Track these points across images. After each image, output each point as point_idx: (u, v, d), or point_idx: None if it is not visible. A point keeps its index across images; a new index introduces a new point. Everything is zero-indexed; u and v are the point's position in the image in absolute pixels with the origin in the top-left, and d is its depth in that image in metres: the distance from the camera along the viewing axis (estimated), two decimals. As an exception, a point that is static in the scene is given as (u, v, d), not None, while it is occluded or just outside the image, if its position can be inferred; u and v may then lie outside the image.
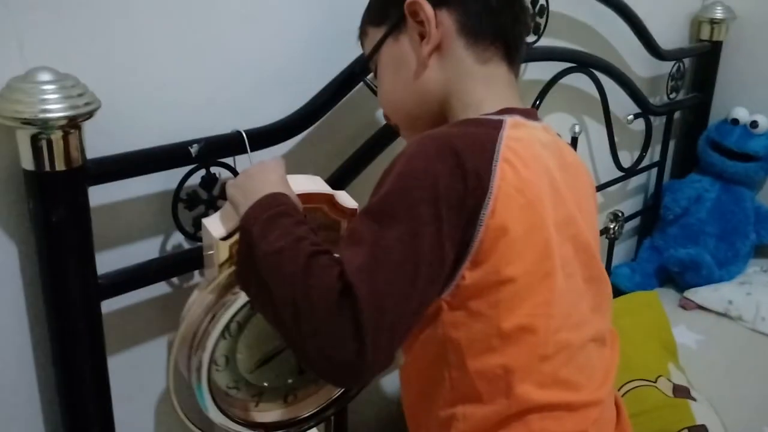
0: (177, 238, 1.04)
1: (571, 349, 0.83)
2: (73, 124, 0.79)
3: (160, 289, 1.03)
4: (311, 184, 0.98)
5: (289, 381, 1.06)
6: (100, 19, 0.88)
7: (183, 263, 1.01)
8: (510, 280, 0.78)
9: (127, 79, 0.92)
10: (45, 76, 0.78)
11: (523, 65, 0.96)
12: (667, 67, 1.98)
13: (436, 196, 0.73)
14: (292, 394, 1.07)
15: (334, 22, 1.13)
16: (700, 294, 1.90)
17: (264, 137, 1.04)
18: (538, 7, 1.42)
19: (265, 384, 1.04)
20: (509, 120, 0.83)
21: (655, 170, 2.11)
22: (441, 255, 0.74)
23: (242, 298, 0.91)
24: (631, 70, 1.87)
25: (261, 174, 0.89)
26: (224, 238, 0.90)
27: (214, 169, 1.01)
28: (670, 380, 1.43)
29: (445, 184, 0.74)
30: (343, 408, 1.18)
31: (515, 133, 0.82)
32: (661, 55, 1.86)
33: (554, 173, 0.85)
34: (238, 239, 0.83)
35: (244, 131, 1.00)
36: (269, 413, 1.05)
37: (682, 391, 1.41)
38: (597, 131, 1.79)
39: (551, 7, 1.45)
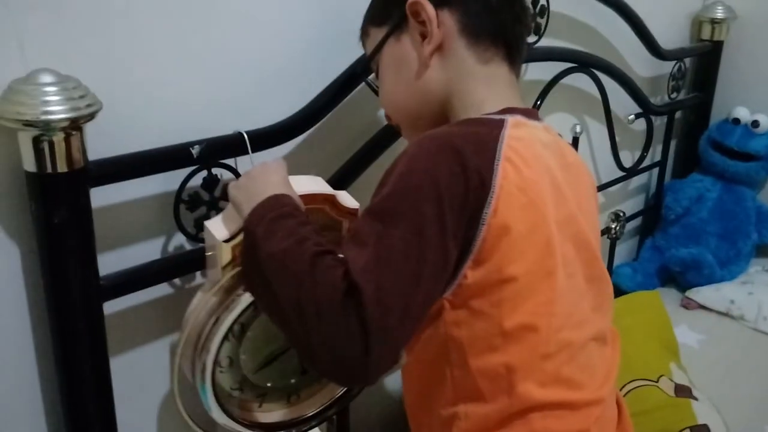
0: (178, 240, 1.04)
1: (573, 348, 0.83)
2: (74, 125, 0.79)
3: (161, 290, 1.03)
4: (313, 185, 0.99)
5: (292, 381, 1.06)
6: (101, 20, 0.88)
7: (185, 264, 1.01)
8: (512, 279, 0.78)
9: (128, 81, 0.93)
10: (46, 78, 0.78)
11: (524, 65, 0.96)
12: (668, 66, 1.98)
13: (438, 195, 0.74)
14: (295, 394, 1.07)
15: (335, 23, 1.13)
16: (701, 294, 1.90)
17: (265, 138, 1.04)
18: (538, 7, 1.42)
19: (269, 384, 1.04)
20: (510, 119, 0.84)
21: (656, 170, 2.11)
22: (444, 254, 0.75)
23: (245, 299, 0.91)
24: (632, 70, 1.87)
25: (263, 175, 0.89)
26: (227, 240, 0.90)
27: (215, 170, 1.01)
28: (671, 380, 1.43)
29: (447, 184, 0.74)
30: (345, 407, 1.18)
31: (516, 133, 0.82)
32: (662, 54, 1.86)
33: (555, 173, 0.85)
34: (242, 241, 0.83)
35: (246, 132, 1.00)
36: (272, 413, 1.05)
37: (683, 391, 1.41)
38: (598, 131, 1.79)
39: (552, 8, 1.45)
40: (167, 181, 0.98)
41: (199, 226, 1.01)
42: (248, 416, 1.02)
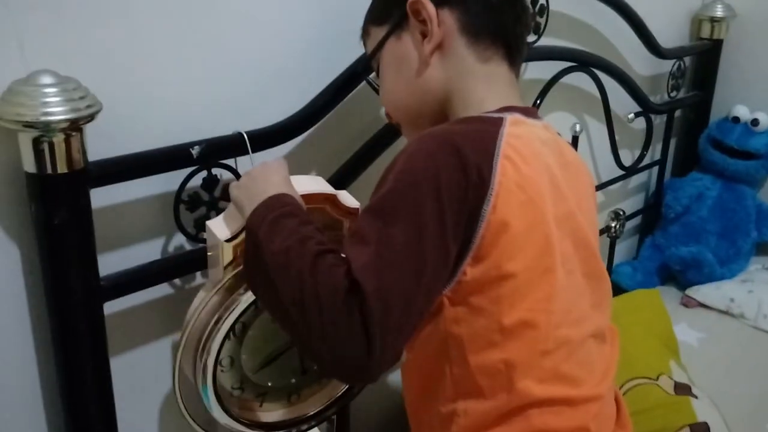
0: (179, 240, 1.04)
1: (572, 345, 0.84)
2: (74, 126, 0.80)
3: (162, 290, 1.03)
4: (313, 185, 0.99)
5: (293, 381, 1.06)
6: (101, 20, 0.88)
7: (185, 264, 1.02)
8: (511, 276, 0.79)
9: (128, 81, 0.93)
10: (46, 79, 0.78)
11: (523, 65, 0.96)
12: (668, 65, 1.98)
13: (438, 192, 0.74)
14: (295, 394, 1.07)
15: (335, 23, 1.13)
16: (701, 292, 1.90)
17: (265, 138, 1.04)
18: (538, 6, 1.42)
19: (269, 384, 1.04)
20: (509, 117, 0.84)
21: (656, 169, 2.11)
22: (445, 251, 0.75)
23: (246, 299, 0.92)
24: (631, 68, 1.87)
25: (264, 175, 0.89)
26: (229, 240, 0.90)
27: (215, 171, 1.01)
28: (671, 378, 1.43)
29: (446, 181, 0.75)
30: (345, 406, 1.19)
31: (515, 131, 0.83)
32: (662, 53, 1.86)
33: (554, 170, 0.86)
34: (244, 240, 0.83)
35: (246, 132, 1.00)
36: (273, 413, 1.05)
37: (683, 389, 1.41)
38: (598, 130, 1.79)
39: (551, 7, 1.45)
40: (167, 182, 0.98)
41: (199, 227, 1.01)
42: (249, 416, 1.02)
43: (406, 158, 0.78)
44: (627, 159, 1.85)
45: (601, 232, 1.74)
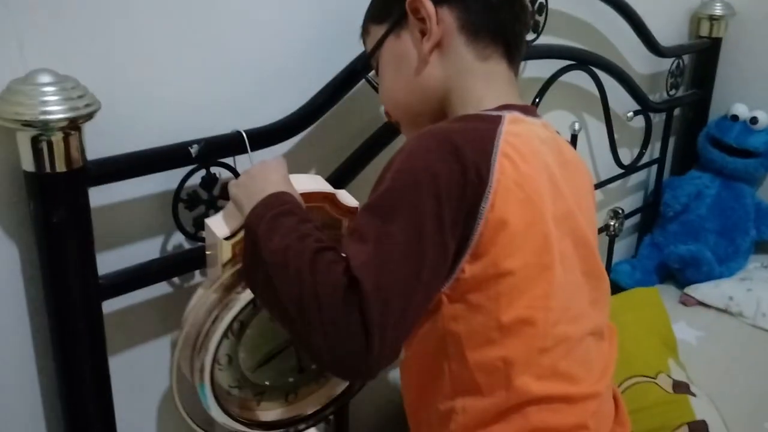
0: (177, 239, 1.04)
1: (570, 342, 0.84)
2: (73, 125, 0.80)
3: (160, 289, 1.03)
4: (312, 183, 0.99)
5: (290, 380, 1.06)
6: (100, 19, 0.88)
7: (184, 263, 1.02)
8: (509, 273, 0.79)
9: (127, 80, 0.93)
10: (45, 78, 0.78)
11: (522, 63, 0.96)
12: (667, 63, 1.98)
13: (437, 190, 0.74)
14: (292, 393, 1.07)
15: (335, 23, 1.13)
16: (700, 290, 1.90)
17: (264, 137, 1.04)
18: (537, 4, 1.42)
19: (267, 383, 1.04)
20: (508, 116, 0.84)
21: (655, 167, 2.11)
22: (443, 248, 0.75)
23: (244, 297, 0.92)
24: (630, 67, 1.87)
25: (263, 173, 0.89)
26: (228, 238, 0.90)
27: (214, 169, 1.01)
28: (669, 376, 1.43)
29: (445, 179, 0.75)
30: (344, 406, 1.19)
31: (514, 129, 0.83)
32: (661, 52, 1.86)
33: (553, 169, 0.86)
34: (244, 238, 0.84)
35: (244, 131, 1.00)
36: (271, 412, 1.05)
37: (681, 387, 1.41)
38: (597, 128, 1.79)
39: (550, 5, 1.45)
40: (166, 181, 0.98)
41: (198, 225, 1.01)
42: (247, 415, 1.02)
43: (405, 156, 0.78)
44: (626, 157, 1.85)
45: (600, 230, 1.74)
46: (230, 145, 1.00)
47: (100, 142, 0.88)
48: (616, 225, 1.79)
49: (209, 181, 1.01)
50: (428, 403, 0.87)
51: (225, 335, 0.93)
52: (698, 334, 1.74)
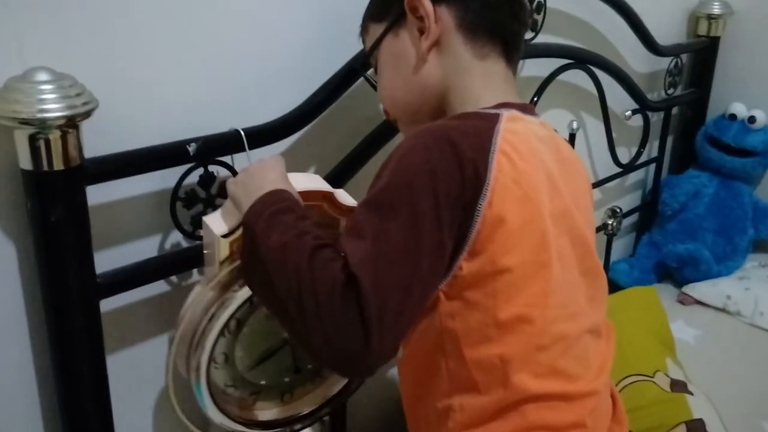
0: (175, 237, 1.04)
1: (568, 340, 0.84)
2: (71, 123, 0.79)
3: (158, 287, 1.03)
4: (311, 182, 0.99)
5: (286, 379, 1.06)
6: (99, 18, 0.88)
7: (181, 262, 1.02)
8: (506, 270, 0.79)
9: (124, 79, 0.92)
10: (43, 76, 0.78)
11: (520, 62, 0.97)
12: (665, 62, 1.98)
13: (434, 187, 0.74)
14: (288, 393, 1.07)
15: (334, 23, 1.13)
16: (698, 289, 1.90)
17: (262, 135, 1.04)
18: (535, 3, 1.42)
19: (263, 382, 1.04)
20: (506, 114, 0.84)
21: (653, 166, 2.11)
22: (441, 245, 0.75)
23: (241, 295, 0.92)
24: (628, 66, 1.87)
25: (262, 172, 0.89)
26: (225, 236, 0.90)
27: (212, 168, 1.01)
28: (667, 375, 1.43)
29: (443, 175, 0.75)
30: (342, 405, 1.19)
31: (512, 126, 0.83)
32: (659, 50, 1.86)
33: (551, 167, 0.86)
34: (242, 236, 0.84)
35: (243, 129, 1.00)
36: (266, 412, 1.05)
37: (679, 386, 1.41)
38: (595, 127, 1.79)
39: (548, 4, 1.45)
40: (164, 179, 0.98)
41: (196, 224, 1.01)
42: (242, 414, 1.02)
43: (403, 153, 0.78)
44: (624, 156, 1.86)
45: (598, 229, 1.74)
46: (228, 143, 1.00)
47: (98, 141, 0.88)
48: (614, 224, 1.79)
49: (207, 179, 1.01)
50: (426, 400, 0.87)
51: (222, 333, 0.93)
52: (696, 333, 1.74)
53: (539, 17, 1.44)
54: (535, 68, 1.49)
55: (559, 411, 0.83)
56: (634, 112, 1.80)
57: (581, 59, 1.58)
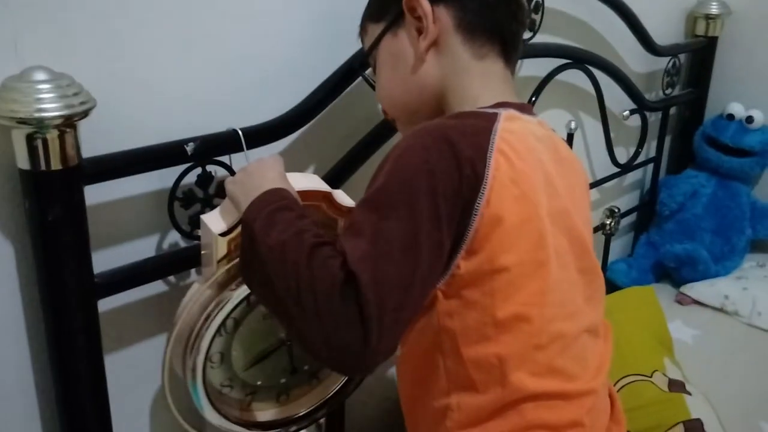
0: (173, 237, 1.04)
1: (566, 339, 0.84)
2: (68, 123, 0.79)
3: (156, 287, 1.03)
4: (309, 182, 0.99)
5: (282, 380, 1.06)
6: (96, 17, 0.88)
7: (179, 262, 1.01)
8: (504, 269, 0.79)
9: (122, 78, 0.92)
10: (40, 76, 0.78)
11: (518, 62, 0.97)
12: (663, 62, 1.98)
13: (432, 186, 0.75)
14: (284, 394, 1.07)
15: (331, 22, 1.13)
16: (696, 289, 1.91)
17: (260, 135, 1.04)
18: (533, 3, 1.43)
19: (259, 383, 1.04)
20: (504, 113, 0.84)
21: (651, 166, 2.11)
22: (439, 244, 0.75)
23: (238, 295, 0.92)
24: (626, 65, 1.87)
25: (260, 171, 0.90)
26: (223, 234, 0.90)
27: (210, 168, 1.01)
28: (665, 375, 1.43)
29: (441, 174, 0.75)
30: (340, 405, 1.19)
31: (510, 126, 0.83)
32: (657, 50, 1.87)
33: (548, 166, 0.86)
34: (240, 234, 0.84)
35: (241, 129, 1.00)
36: (263, 412, 1.05)
37: (677, 386, 1.41)
38: (593, 127, 1.79)
39: (547, 4, 1.45)
40: (162, 179, 0.98)
41: (194, 224, 1.01)
42: (238, 414, 1.02)
43: (401, 152, 0.78)
44: (622, 156, 1.86)
45: (596, 229, 1.74)
46: (226, 143, 1.00)
47: (96, 140, 0.88)
48: (612, 224, 1.79)
49: (205, 179, 1.01)
50: (424, 399, 0.87)
51: (218, 332, 0.93)
52: (694, 333, 1.74)
53: (537, 17, 1.44)
54: (533, 68, 1.49)
55: (557, 410, 0.83)
56: (632, 112, 1.80)
57: (579, 59, 1.58)
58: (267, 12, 1.06)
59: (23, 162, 0.81)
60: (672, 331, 1.64)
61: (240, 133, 1.00)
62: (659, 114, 2.02)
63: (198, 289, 0.93)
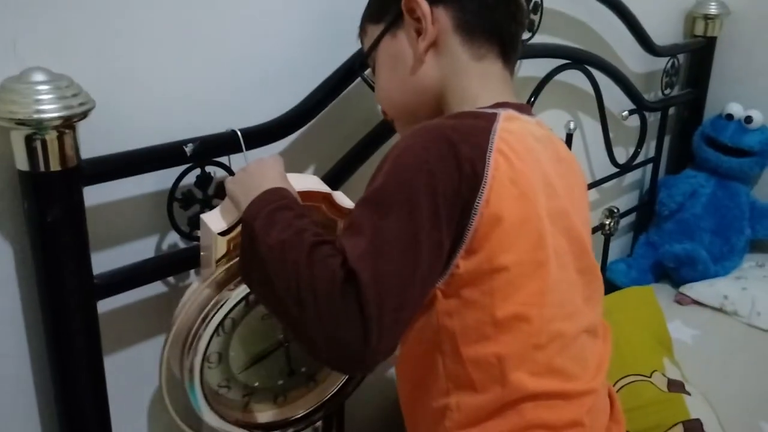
0: (172, 238, 1.04)
1: (565, 339, 0.84)
2: (67, 124, 0.79)
3: (155, 288, 1.03)
4: (309, 183, 0.99)
5: (280, 382, 1.06)
6: (95, 18, 0.88)
7: (178, 263, 1.01)
8: (503, 269, 0.79)
9: (121, 79, 0.92)
10: (39, 77, 0.78)
11: (517, 62, 0.97)
12: (662, 63, 1.99)
13: (432, 185, 0.75)
14: (282, 396, 1.07)
15: (331, 22, 1.13)
16: (695, 289, 1.91)
17: (259, 135, 1.04)
18: (532, 4, 1.43)
19: (256, 384, 1.04)
20: (503, 113, 0.85)
21: (650, 166, 2.11)
22: (438, 243, 0.76)
23: (236, 295, 0.92)
24: (625, 66, 1.87)
25: (260, 170, 0.90)
26: (223, 233, 0.90)
27: (209, 168, 1.01)
28: (664, 375, 1.43)
29: (440, 175, 0.75)
30: (340, 406, 1.19)
31: (509, 126, 0.83)
32: (656, 51, 1.87)
33: (547, 166, 0.86)
34: (240, 233, 0.84)
35: (240, 130, 1.00)
36: (259, 414, 1.05)
37: (676, 386, 1.41)
38: (592, 127, 1.79)
39: (545, 4, 1.46)
40: (161, 180, 0.98)
41: (193, 225, 1.01)
42: (234, 415, 1.02)
43: (400, 152, 0.79)
44: (621, 156, 1.86)
45: (596, 229, 1.74)
46: (225, 144, 1.00)
47: (95, 141, 0.88)
48: (612, 224, 1.79)
49: (204, 180, 1.01)
50: (423, 399, 0.87)
51: (216, 332, 0.93)
52: (693, 333, 1.74)
53: (536, 17, 1.44)
54: (532, 68, 1.49)
55: (556, 410, 0.83)
56: (631, 112, 1.80)
57: (578, 59, 1.58)
58: (267, 12, 1.06)
59: (22, 163, 0.81)
60: (671, 331, 1.64)
61: (239, 134, 1.00)
62: (658, 114, 2.02)
63: (196, 288, 0.93)
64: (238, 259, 0.87)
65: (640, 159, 1.96)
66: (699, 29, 2.08)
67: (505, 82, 0.93)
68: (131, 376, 1.04)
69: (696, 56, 2.12)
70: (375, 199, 0.77)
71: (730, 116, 2.06)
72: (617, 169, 1.84)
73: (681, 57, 2.08)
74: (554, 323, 0.83)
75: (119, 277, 0.94)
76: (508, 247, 0.79)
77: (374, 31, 0.95)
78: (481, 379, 0.81)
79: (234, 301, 0.92)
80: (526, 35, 1.41)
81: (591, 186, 1.76)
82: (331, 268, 0.72)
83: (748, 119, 2.03)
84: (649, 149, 2.08)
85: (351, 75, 1.11)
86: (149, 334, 1.05)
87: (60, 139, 0.80)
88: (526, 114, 0.90)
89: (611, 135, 1.75)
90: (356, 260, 0.71)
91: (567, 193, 0.88)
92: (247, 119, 1.04)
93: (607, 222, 1.80)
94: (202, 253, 0.95)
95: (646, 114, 1.88)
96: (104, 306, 0.94)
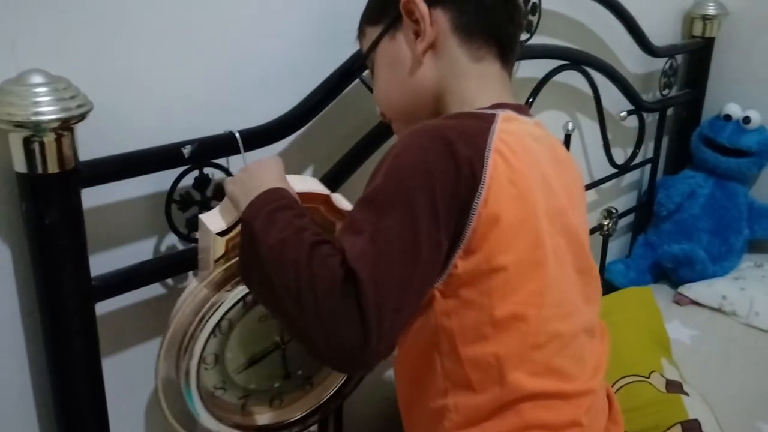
0: (170, 240, 1.04)
1: (563, 339, 0.84)
2: (65, 126, 0.79)
3: (154, 290, 1.03)
4: (307, 185, 0.99)
5: (276, 384, 1.06)
6: (93, 20, 0.88)
7: (177, 264, 1.01)
8: (502, 269, 0.79)
9: (119, 81, 0.92)
10: (37, 79, 0.77)
11: (515, 63, 0.97)
12: (660, 63, 1.99)
13: (430, 184, 0.75)
14: (278, 399, 1.07)
15: (328, 22, 1.13)
16: (693, 289, 1.91)
17: (257, 137, 1.04)
18: (530, 4, 1.43)
19: (252, 386, 1.04)
20: (501, 114, 0.85)
21: (648, 166, 2.11)
22: (437, 243, 0.76)
23: (233, 296, 0.92)
24: (623, 67, 1.88)
25: (260, 171, 0.90)
26: (221, 233, 0.90)
27: (207, 170, 1.01)
28: (663, 375, 1.43)
29: (439, 174, 0.76)
30: (339, 406, 1.18)
31: (507, 126, 0.83)
32: (654, 51, 1.87)
33: (545, 167, 0.86)
34: (240, 233, 0.84)
35: (238, 131, 1.00)
36: (255, 416, 1.05)
37: (674, 386, 1.41)
38: (590, 128, 1.79)
39: (543, 5, 1.46)
40: (159, 182, 0.98)
41: (191, 226, 1.01)
42: (230, 417, 1.02)
43: (399, 152, 0.79)
44: (619, 157, 1.86)
45: (594, 230, 1.74)
46: (223, 145, 1.00)
47: (93, 143, 0.88)
48: (610, 224, 1.79)
49: (202, 181, 1.01)
50: (422, 400, 0.87)
51: (213, 333, 0.93)
52: (692, 334, 1.74)
53: (534, 18, 1.44)
54: (530, 69, 1.49)
55: (555, 410, 0.83)
56: (630, 112, 1.80)
57: (576, 60, 1.58)
58: (267, 12, 1.06)
59: (20, 165, 0.80)
60: (670, 331, 1.64)
61: (237, 135, 1.00)
62: (656, 115, 2.02)
63: (193, 289, 0.93)
64: (236, 259, 0.87)
65: (638, 160, 1.96)
66: (697, 30, 2.08)
67: (504, 83, 0.93)
68: (129, 378, 1.04)
69: (694, 57, 2.12)
70: (373, 200, 0.77)
71: (728, 117, 2.07)
72: (615, 170, 1.85)
73: (679, 58, 2.08)
74: (553, 323, 0.83)
75: (117, 279, 0.94)
76: (507, 247, 0.79)
77: (373, 32, 0.95)
78: (480, 379, 0.81)
79: (231, 302, 0.92)
80: (524, 36, 1.41)
81: (589, 187, 1.76)
82: (330, 267, 0.72)
83: (746, 120, 2.03)
84: (648, 150, 2.08)
85: (350, 75, 1.11)
86: (147, 336, 1.05)
87: (58, 141, 0.80)
88: (524, 115, 0.90)
89: (609, 136, 1.75)
90: (355, 259, 0.71)
91: (565, 193, 0.89)
92: (247, 119, 1.04)
93: (606, 222, 1.80)
94: (199, 255, 0.95)
95: (645, 115, 1.88)
96: (102, 308, 0.94)
